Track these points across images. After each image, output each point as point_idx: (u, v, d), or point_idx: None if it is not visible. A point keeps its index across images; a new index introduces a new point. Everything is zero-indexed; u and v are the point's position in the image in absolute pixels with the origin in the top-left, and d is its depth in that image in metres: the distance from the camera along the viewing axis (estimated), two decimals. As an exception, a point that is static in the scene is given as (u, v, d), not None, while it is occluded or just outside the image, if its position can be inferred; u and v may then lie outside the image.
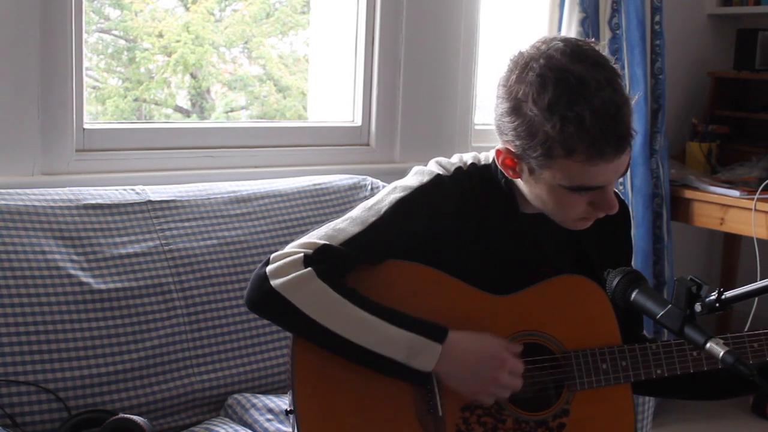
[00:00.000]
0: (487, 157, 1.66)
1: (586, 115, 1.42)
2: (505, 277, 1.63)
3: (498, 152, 1.57)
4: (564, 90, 1.43)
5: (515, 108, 1.48)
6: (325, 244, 1.54)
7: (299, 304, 1.49)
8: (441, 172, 1.63)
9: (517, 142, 1.50)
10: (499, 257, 1.63)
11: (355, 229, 1.56)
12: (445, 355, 1.51)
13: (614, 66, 1.49)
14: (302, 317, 1.50)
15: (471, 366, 1.53)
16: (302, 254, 1.52)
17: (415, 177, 1.64)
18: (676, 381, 1.66)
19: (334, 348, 1.52)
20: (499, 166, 1.60)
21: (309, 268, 1.50)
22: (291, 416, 1.56)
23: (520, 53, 1.51)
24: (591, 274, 1.68)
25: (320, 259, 1.52)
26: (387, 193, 1.62)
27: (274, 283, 1.50)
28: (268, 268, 1.52)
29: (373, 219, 1.57)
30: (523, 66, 1.48)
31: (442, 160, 1.68)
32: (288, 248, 1.56)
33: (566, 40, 1.49)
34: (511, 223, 1.64)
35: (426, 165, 1.68)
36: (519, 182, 1.60)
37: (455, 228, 1.61)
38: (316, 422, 1.53)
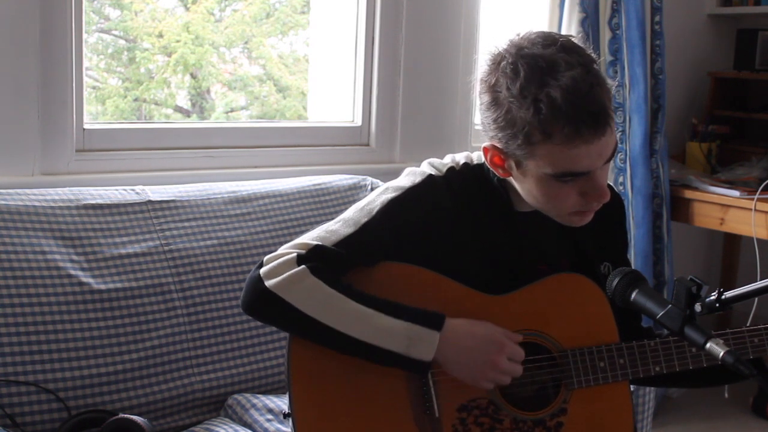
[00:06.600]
0: (479, 156, 1.65)
1: (556, 94, 1.42)
2: (500, 276, 1.62)
3: (485, 150, 1.57)
4: (535, 73, 1.44)
5: (494, 100, 1.50)
6: (318, 245, 1.54)
7: (294, 302, 1.49)
8: (433, 173, 1.63)
9: (500, 135, 1.50)
10: (494, 256, 1.63)
11: (348, 231, 1.56)
12: (443, 342, 1.51)
13: (590, 54, 1.49)
14: (298, 315, 1.50)
15: (470, 351, 1.53)
16: (295, 254, 1.53)
17: (408, 178, 1.64)
18: (676, 372, 1.66)
19: (333, 344, 1.51)
20: (489, 167, 1.60)
21: (302, 266, 1.51)
22: (289, 419, 1.56)
23: (496, 48, 1.53)
24: (589, 269, 1.68)
25: (313, 258, 1.53)
26: (379, 194, 1.62)
27: (269, 283, 1.51)
28: (262, 270, 1.53)
29: (366, 220, 1.57)
30: (497, 59, 1.51)
31: (435, 160, 1.67)
32: (280, 250, 1.56)
33: (539, 31, 1.51)
34: (505, 221, 1.64)
35: (419, 166, 1.68)
36: (513, 181, 1.60)
37: (449, 228, 1.60)
38: (314, 425, 1.53)
